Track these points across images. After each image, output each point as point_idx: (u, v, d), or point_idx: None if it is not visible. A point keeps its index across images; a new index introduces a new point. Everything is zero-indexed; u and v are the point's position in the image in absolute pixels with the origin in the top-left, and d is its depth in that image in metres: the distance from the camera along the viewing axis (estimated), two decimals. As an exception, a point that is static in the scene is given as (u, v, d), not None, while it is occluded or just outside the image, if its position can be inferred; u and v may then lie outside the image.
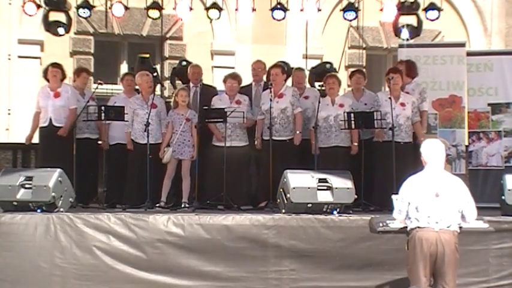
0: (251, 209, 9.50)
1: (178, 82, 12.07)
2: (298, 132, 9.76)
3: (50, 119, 9.73)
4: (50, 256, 8.08)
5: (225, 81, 10.00)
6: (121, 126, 9.74)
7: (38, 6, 11.63)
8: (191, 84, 10.40)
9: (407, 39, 12.02)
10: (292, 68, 10.91)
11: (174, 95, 10.13)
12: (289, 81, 10.49)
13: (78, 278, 8.09)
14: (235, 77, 10.04)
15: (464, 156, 11.37)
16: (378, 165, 9.65)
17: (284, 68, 10.19)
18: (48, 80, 9.95)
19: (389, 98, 9.53)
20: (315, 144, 9.58)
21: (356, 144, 9.67)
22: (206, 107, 9.66)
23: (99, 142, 10.05)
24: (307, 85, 10.92)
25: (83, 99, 9.96)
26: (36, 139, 10.07)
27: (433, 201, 6.41)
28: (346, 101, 9.89)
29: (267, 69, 10.28)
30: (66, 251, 8.10)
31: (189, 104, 9.82)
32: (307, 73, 11.12)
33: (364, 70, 11.06)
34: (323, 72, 11.27)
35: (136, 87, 10.17)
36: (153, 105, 9.64)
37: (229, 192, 9.33)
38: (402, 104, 9.66)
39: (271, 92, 9.64)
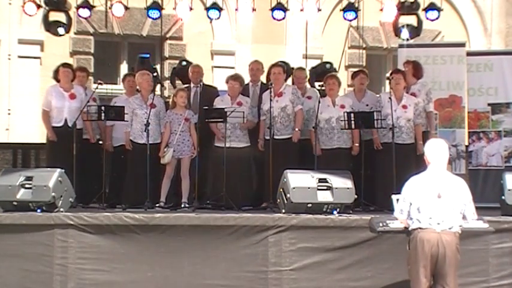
0: (251, 209, 9.51)
1: (178, 82, 12.08)
2: (297, 129, 9.73)
3: (66, 120, 9.75)
4: (51, 256, 8.08)
5: (227, 82, 10.01)
6: (125, 127, 9.75)
7: (38, 6, 11.63)
8: (192, 84, 10.40)
9: (407, 39, 12.02)
10: (293, 68, 10.91)
11: (172, 95, 10.12)
12: (289, 81, 10.50)
13: (80, 278, 8.09)
14: (236, 78, 10.04)
15: (464, 156, 11.38)
16: (379, 167, 9.66)
17: (284, 68, 10.20)
18: (57, 80, 9.95)
19: (390, 98, 9.53)
20: (315, 144, 9.59)
21: (357, 144, 9.68)
22: (206, 107, 9.66)
23: (100, 142, 10.08)
24: (308, 85, 10.93)
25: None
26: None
27: (435, 203, 6.41)
28: (347, 101, 9.87)
29: (268, 68, 10.27)
30: (67, 251, 8.10)
31: (187, 104, 9.83)
32: (308, 73, 11.12)
33: (366, 70, 11.06)
34: (323, 72, 11.28)
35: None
36: (152, 105, 9.64)
37: (228, 193, 9.33)
38: (404, 106, 9.64)
39: (271, 92, 9.65)
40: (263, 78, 10.44)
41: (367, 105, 10.05)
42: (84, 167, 9.50)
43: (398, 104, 9.65)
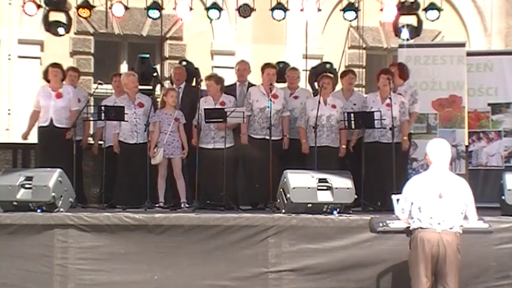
0: (251, 209, 9.51)
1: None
2: (287, 136, 9.87)
3: (51, 119, 9.76)
4: (51, 257, 8.07)
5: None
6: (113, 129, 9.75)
7: (38, 6, 11.62)
8: (174, 85, 10.46)
9: (407, 39, 12.03)
10: (287, 68, 10.95)
11: (162, 94, 10.13)
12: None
13: (79, 279, 8.09)
14: (210, 77, 10.04)
15: (464, 156, 11.38)
16: (366, 166, 9.64)
17: (277, 69, 10.25)
18: (48, 81, 9.97)
19: (390, 98, 9.56)
20: (308, 141, 9.67)
21: (344, 146, 9.76)
22: (207, 108, 9.65)
23: (91, 142, 10.19)
24: (302, 85, 10.97)
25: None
26: (34, 139, 10.08)
27: (436, 202, 6.41)
28: (338, 102, 9.95)
29: (260, 68, 10.24)
30: (67, 251, 8.09)
31: (176, 104, 9.83)
32: (302, 73, 11.14)
33: (354, 70, 11.10)
34: (323, 72, 11.28)
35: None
36: (140, 104, 9.66)
37: (216, 193, 9.32)
38: (388, 105, 9.69)
39: (271, 91, 9.68)
40: (250, 78, 10.52)
41: (354, 104, 10.17)
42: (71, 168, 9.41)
43: (383, 103, 9.75)
